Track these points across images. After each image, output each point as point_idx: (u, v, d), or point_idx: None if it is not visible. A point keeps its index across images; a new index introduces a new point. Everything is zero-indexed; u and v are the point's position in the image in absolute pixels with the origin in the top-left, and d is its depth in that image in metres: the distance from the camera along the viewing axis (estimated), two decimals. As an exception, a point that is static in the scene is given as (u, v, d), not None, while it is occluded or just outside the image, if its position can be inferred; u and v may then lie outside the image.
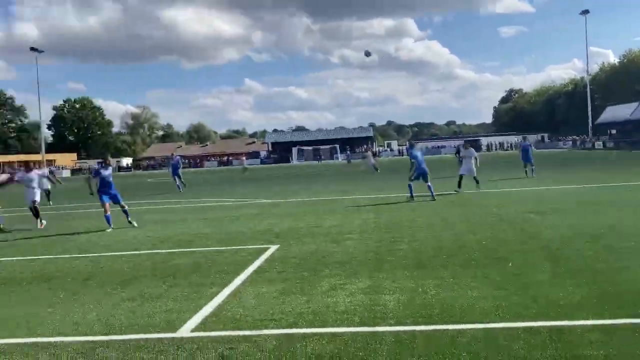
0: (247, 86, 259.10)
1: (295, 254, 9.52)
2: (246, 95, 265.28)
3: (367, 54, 24.80)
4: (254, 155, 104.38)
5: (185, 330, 5.65)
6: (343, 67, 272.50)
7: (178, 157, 32.11)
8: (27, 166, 18.53)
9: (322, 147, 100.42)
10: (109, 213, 14.24)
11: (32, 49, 78.51)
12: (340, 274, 7.81)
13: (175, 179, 29.04)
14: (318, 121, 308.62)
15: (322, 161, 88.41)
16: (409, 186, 17.86)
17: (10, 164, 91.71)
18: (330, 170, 50.25)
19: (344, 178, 35.31)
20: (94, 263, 9.74)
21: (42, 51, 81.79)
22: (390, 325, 5.52)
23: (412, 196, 17.61)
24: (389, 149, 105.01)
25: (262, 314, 6.05)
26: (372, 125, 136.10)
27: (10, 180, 17.54)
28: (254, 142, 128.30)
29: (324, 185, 29.03)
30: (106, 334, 5.65)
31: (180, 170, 29.35)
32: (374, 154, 45.74)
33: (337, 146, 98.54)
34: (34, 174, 16.95)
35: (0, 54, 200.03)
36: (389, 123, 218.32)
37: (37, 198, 16.23)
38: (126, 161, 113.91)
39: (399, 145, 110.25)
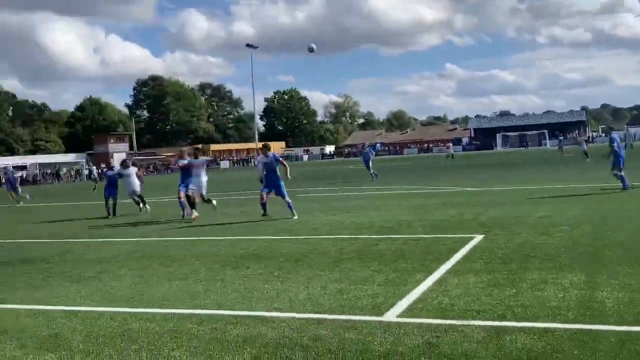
0: (448, 71, 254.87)
1: (501, 244, 9.17)
2: (447, 80, 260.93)
3: (310, 49, 23.51)
4: (456, 142, 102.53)
5: (392, 315, 5.72)
6: (551, 47, 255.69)
7: (369, 147, 32.65)
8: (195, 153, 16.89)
9: (528, 132, 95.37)
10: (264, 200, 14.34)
11: (248, 45, 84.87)
12: (551, 267, 7.36)
13: (369, 168, 29.46)
14: (524, 105, 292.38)
15: (529, 147, 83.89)
16: (620, 177, 16.30)
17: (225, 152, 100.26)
18: (538, 158, 47.60)
19: (552, 166, 33.23)
20: (304, 245, 10.30)
21: (257, 47, 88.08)
22: (610, 324, 5.07)
23: (626, 186, 16.03)
24: (603, 135, 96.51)
25: (469, 304, 5.92)
26: (584, 108, 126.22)
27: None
28: (455, 129, 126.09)
29: (531, 173, 27.60)
30: (317, 312, 5.94)
31: (371, 160, 29.71)
32: (587, 140, 42.39)
33: (546, 132, 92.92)
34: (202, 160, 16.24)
35: (221, 52, 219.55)
36: (604, 106, 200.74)
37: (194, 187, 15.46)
38: (329, 149, 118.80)
39: (615, 130, 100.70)
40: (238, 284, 7.48)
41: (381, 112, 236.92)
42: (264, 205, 14.51)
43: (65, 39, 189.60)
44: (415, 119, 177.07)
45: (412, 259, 8.45)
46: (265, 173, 14.81)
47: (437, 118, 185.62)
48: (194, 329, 5.61)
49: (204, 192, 15.59)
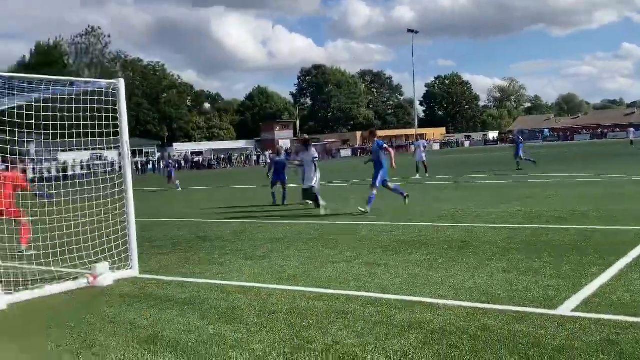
0: (625, 50, 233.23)
1: (692, 239, 8.28)
2: (624, 60, 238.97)
3: (205, 110, 21.37)
4: (637, 127, 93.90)
5: (566, 309, 5.41)
6: None
7: (518, 133, 30.98)
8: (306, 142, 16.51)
9: None
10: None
11: (409, 30, 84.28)
12: None
13: (516, 155, 27.73)
14: None
15: None
16: None
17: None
18: None
19: None
20: (467, 232, 10.06)
21: (417, 32, 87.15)
22: None
23: None
24: None
25: (654, 303, 5.43)
26: None
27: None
28: (633, 113, 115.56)
29: None
30: (484, 302, 5.78)
31: (521, 147, 27.89)
32: None
33: None
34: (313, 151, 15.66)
35: (381, 39, 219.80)
36: None
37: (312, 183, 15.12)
38: (492, 135, 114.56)
39: None
40: (401, 269, 7.49)
41: (549, 96, 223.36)
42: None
43: (237, 32, 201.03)
44: (588, 103, 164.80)
45: (586, 251, 7.90)
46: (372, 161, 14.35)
47: (612, 102, 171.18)
48: (359, 311, 5.73)
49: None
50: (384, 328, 5.15)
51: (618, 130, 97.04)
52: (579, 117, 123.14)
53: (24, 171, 10.43)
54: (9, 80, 7.59)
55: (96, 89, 7.89)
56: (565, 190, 16.31)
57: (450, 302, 5.84)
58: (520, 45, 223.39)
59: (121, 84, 7.99)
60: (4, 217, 9.68)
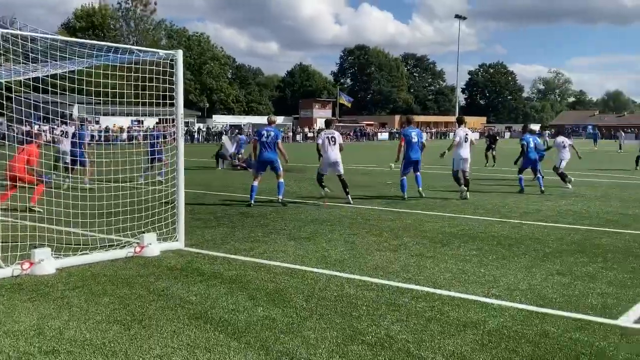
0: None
1: None
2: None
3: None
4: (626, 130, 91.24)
5: (628, 320, 5.19)
6: None
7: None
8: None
9: None
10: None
11: (457, 16, 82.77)
12: None
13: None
14: None
15: None
16: None
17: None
18: None
19: None
20: (516, 229, 9.82)
21: (465, 18, 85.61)
22: None
23: None
24: None
25: None
26: None
27: None
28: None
29: None
30: (540, 306, 5.59)
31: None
32: None
33: None
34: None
35: (429, 21, 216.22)
36: None
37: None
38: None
39: None
40: (450, 263, 7.33)
41: (596, 92, 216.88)
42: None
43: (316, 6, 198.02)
44: (634, 102, 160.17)
45: (644, 259, 7.62)
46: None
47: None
48: (410, 305, 5.60)
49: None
50: (438, 326, 5.01)
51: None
52: (624, 115, 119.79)
53: (39, 146, 10.74)
54: (68, 45, 7.60)
55: (155, 59, 7.84)
56: (616, 191, 15.83)
57: (504, 303, 5.67)
58: (579, 38, 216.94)
59: (179, 55, 7.92)
60: (25, 184, 10.27)
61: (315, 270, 6.93)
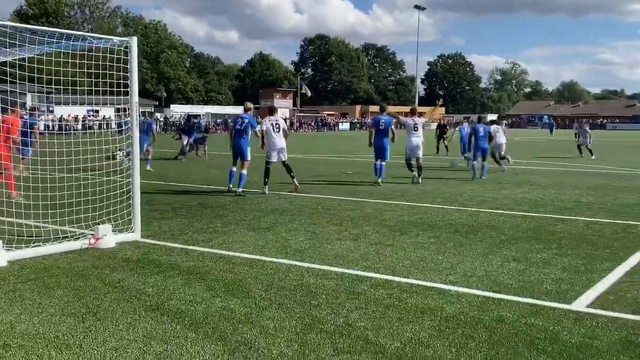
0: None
1: (702, 239, 8.19)
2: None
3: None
4: (635, 119, 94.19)
5: (581, 305, 5.31)
6: None
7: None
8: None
9: None
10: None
11: (416, 7, 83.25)
12: None
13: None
14: None
15: None
16: None
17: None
18: None
19: None
20: (473, 217, 9.95)
21: (424, 8, 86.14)
22: None
23: None
24: None
25: (670, 304, 5.34)
26: None
27: None
28: (634, 105, 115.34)
29: None
30: (496, 292, 5.68)
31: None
32: None
33: None
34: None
35: (390, 12, 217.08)
36: None
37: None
38: (491, 117, 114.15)
39: None
40: (409, 251, 7.38)
41: (552, 83, 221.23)
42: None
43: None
44: (588, 92, 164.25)
45: (597, 245, 7.82)
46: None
47: (613, 92, 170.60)
48: (369, 293, 5.61)
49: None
50: (397, 313, 5.04)
51: (618, 121, 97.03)
52: (579, 105, 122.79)
53: (22, 117, 10.43)
54: (18, 31, 7.34)
55: (109, 47, 7.64)
56: (570, 180, 16.20)
57: (462, 289, 5.74)
58: (535, 29, 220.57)
59: (134, 42, 7.75)
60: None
61: (275, 260, 6.89)
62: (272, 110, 13.79)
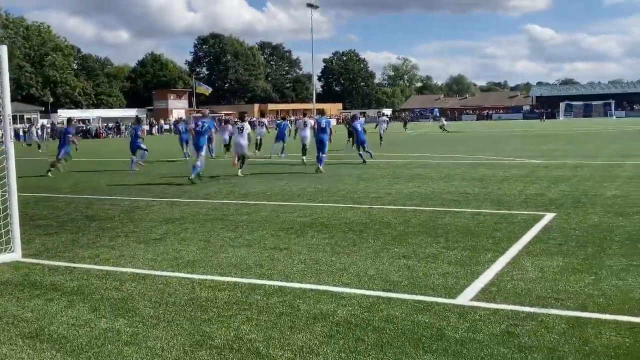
0: (526, 34, 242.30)
1: (575, 225, 8.77)
2: (522, 44, 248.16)
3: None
4: (516, 110, 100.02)
5: (465, 298, 5.52)
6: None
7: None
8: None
9: (594, 102, 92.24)
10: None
11: (309, 5, 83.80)
12: (632, 254, 6.97)
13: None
14: (612, 74, 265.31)
15: (594, 118, 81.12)
16: None
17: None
18: (606, 129, 45.76)
19: (621, 139, 31.87)
20: (366, 214, 10.14)
21: (317, 7, 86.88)
22: None
23: None
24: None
25: (546, 291, 5.65)
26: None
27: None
28: (516, 96, 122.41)
29: (597, 146, 26.50)
30: (387, 290, 5.79)
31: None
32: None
33: (612, 102, 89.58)
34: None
35: (284, 9, 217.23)
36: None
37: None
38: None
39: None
40: (304, 254, 7.39)
41: (442, 77, 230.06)
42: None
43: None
44: (475, 84, 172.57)
45: (481, 236, 8.18)
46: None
47: (497, 84, 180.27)
48: (262, 302, 5.56)
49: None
50: (289, 320, 5.02)
51: (502, 111, 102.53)
52: (466, 97, 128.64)
53: None
54: None
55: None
56: (458, 172, 16.89)
57: (354, 291, 5.80)
58: (424, 24, 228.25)
59: (3, 51, 7.24)
60: None
61: (165, 274, 6.68)
62: (242, 117, 18.68)
